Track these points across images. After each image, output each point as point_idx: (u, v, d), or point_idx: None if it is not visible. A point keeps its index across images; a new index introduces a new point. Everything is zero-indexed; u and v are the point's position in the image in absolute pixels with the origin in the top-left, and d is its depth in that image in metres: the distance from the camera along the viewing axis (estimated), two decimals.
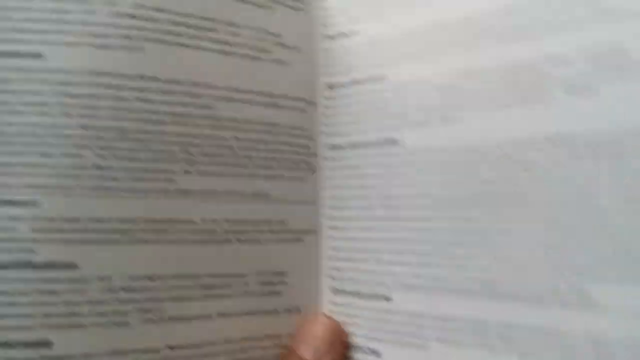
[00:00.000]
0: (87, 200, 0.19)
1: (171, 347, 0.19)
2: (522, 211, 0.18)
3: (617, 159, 0.16)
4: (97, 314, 0.18)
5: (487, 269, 0.18)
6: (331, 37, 0.24)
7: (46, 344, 0.18)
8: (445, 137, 0.20)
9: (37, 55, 0.19)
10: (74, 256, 0.18)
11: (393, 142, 0.21)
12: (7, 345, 0.18)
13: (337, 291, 0.22)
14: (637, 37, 0.16)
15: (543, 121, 0.18)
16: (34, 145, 0.19)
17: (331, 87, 0.23)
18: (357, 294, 0.21)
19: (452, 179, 0.20)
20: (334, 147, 0.23)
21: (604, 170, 0.17)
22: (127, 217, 0.19)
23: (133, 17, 0.20)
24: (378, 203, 0.21)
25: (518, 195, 0.18)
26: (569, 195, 0.17)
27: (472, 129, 0.19)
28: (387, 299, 0.20)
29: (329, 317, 0.22)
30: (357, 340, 0.21)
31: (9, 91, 0.18)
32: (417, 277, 0.20)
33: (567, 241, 0.17)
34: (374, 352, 0.21)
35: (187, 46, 0.20)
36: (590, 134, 0.17)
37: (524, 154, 0.18)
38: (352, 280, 0.22)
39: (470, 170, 0.19)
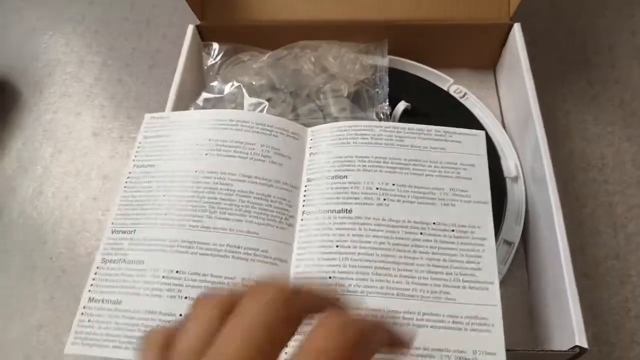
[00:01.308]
0: None
1: None
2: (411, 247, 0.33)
3: None
4: None
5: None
6: (312, 153, 0.38)
7: None
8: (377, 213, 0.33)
9: None
10: None
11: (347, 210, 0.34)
12: None
13: None
14: None
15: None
16: None
17: (309, 180, 0.36)
18: None
19: (380, 234, 0.33)
20: (308, 212, 0.35)
21: None
22: None
23: None
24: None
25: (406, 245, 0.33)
26: None
27: (392, 211, 0.34)
28: None
29: None
30: None
31: None
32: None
33: None
34: None
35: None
36: None
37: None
38: None
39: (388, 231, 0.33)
